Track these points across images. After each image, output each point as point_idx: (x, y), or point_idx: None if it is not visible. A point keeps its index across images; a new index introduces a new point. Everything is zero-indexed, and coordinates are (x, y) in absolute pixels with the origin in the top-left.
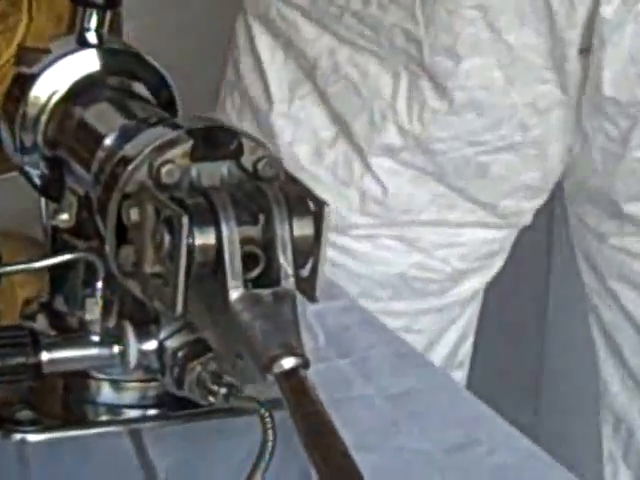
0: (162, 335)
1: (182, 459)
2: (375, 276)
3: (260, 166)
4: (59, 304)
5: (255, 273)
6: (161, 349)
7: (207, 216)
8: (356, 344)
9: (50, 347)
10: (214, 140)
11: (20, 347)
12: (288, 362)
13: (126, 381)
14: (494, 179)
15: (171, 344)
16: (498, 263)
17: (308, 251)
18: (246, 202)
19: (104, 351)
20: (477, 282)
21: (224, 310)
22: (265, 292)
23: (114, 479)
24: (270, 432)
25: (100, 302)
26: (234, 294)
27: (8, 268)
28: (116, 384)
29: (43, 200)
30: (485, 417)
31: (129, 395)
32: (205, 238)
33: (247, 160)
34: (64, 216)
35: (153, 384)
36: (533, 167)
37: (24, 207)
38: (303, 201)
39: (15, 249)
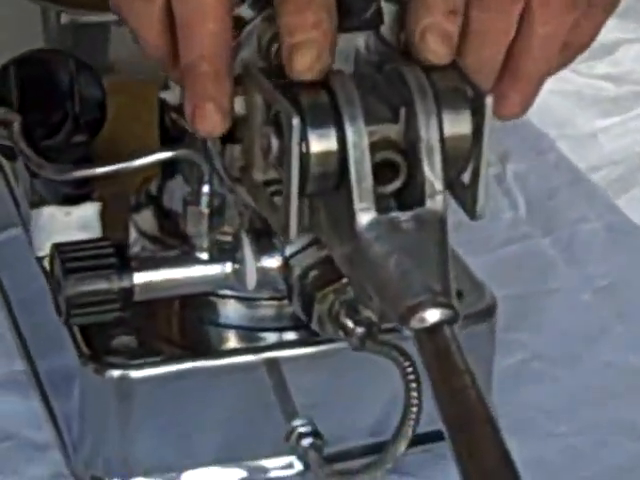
0: (288, 251)
1: (328, 393)
2: None
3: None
4: (167, 200)
5: (392, 188)
6: (287, 268)
7: (326, 112)
8: (562, 215)
9: (143, 267)
10: (344, 5)
11: (103, 269)
12: (431, 315)
13: (257, 299)
14: None
15: (298, 263)
16: None
17: (464, 156)
18: (382, 91)
19: (213, 271)
20: None
21: (350, 238)
22: (404, 215)
23: (245, 419)
24: (414, 395)
25: (207, 211)
26: (362, 218)
27: (97, 170)
28: (245, 301)
29: None
30: None
31: (261, 314)
32: (323, 143)
33: (391, 30)
34: (169, 93)
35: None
36: None
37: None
38: (456, 89)
39: (125, 106)
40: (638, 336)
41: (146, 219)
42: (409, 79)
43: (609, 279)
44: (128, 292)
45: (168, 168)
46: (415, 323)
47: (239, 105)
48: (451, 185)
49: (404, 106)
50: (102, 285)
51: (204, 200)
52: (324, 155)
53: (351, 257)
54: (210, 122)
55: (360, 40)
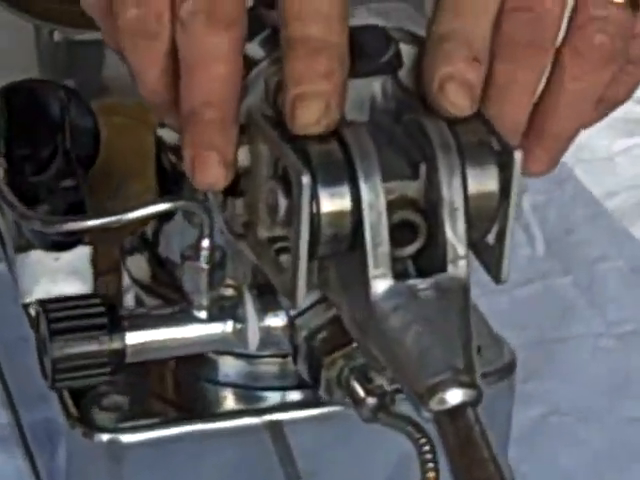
0: (293, 309)
1: (332, 456)
2: None
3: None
4: (163, 247)
5: (410, 251)
6: (292, 328)
7: (339, 168)
8: (582, 252)
9: (135, 326)
10: (358, 47)
11: (93, 329)
12: (453, 396)
13: (258, 356)
14: None
15: (305, 322)
16: None
17: (490, 216)
18: (400, 144)
19: (213, 330)
20: None
21: (364, 306)
22: (424, 282)
23: None
24: (432, 477)
25: (206, 267)
26: (378, 286)
27: (88, 222)
28: (245, 358)
29: None
30: None
31: (263, 372)
32: (336, 203)
33: (410, 74)
34: (167, 131)
35: None
36: None
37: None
38: (481, 143)
39: (121, 128)
40: None
41: (140, 266)
42: (430, 131)
43: (634, 324)
44: (119, 354)
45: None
46: (435, 405)
47: (243, 156)
48: (473, 244)
49: (424, 161)
50: (91, 347)
51: (204, 255)
52: (337, 216)
53: (364, 326)
54: (212, 174)
55: (376, 85)
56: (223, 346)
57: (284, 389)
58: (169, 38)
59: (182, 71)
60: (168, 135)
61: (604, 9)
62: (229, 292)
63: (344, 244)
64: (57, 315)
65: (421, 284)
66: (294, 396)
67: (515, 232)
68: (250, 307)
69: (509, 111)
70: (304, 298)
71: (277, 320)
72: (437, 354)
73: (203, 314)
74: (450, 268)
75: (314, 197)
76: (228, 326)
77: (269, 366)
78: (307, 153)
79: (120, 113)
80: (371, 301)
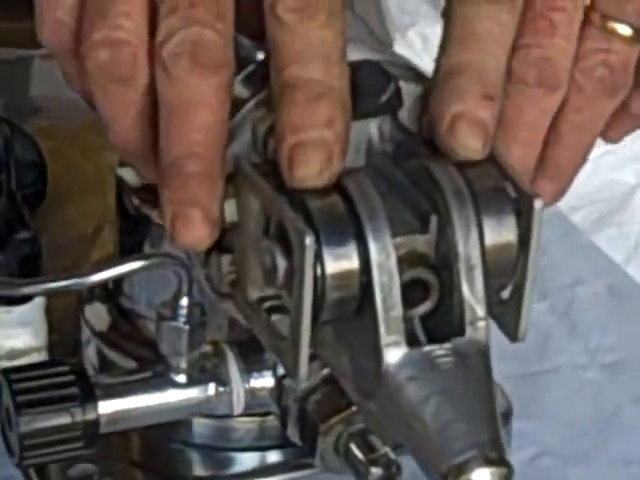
0: (281, 368)
1: None
2: None
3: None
4: (127, 298)
5: (421, 311)
6: (280, 389)
7: (344, 224)
8: (556, 277)
9: (109, 394)
10: (354, 86)
11: (63, 401)
12: (481, 476)
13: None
14: None
15: (291, 384)
16: None
17: (508, 269)
18: (404, 192)
19: (193, 395)
20: None
21: (374, 376)
22: (441, 349)
23: None
24: None
25: (186, 327)
26: (391, 355)
27: (49, 285)
28: (221, 418)
29: None
30: None
31: (240, 433)
32: (342, 263)
33: (411, 113)
34: (128, 171)
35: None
36: None
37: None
38: (497, 189)
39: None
40: None
41: (100, 316)
42: (439, 178)
43: (618, 353)
44: (93, 426)
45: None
46: None
47: (229, 210)
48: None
49: (435, 213)
50: (63, 420)
51: (183, 315)
52: (343, 277)
53: (373, 395)
54: (195, 233)
55: (373, 126)
56: (205, 411)
57: (263, 449)
58: (146, 82)
59: (162, 119)
60: (129, 175)
61: (606, 42)
62: (208, 348)
63: (350, 307)
64: (23, 386)
65: (438, 350)
66: (273, 457)
67: None
68: (233, 368)
69: (517, 152)
70: (307, 374)
71: (264, 381)
72: (460, 429)
73: (182, 378)
74: (469, 331)
75: (318, 258)
76: (210, 390)
77: (246, 425)
78: (307, 208)
79: (54, 137)
80: (383, 371)
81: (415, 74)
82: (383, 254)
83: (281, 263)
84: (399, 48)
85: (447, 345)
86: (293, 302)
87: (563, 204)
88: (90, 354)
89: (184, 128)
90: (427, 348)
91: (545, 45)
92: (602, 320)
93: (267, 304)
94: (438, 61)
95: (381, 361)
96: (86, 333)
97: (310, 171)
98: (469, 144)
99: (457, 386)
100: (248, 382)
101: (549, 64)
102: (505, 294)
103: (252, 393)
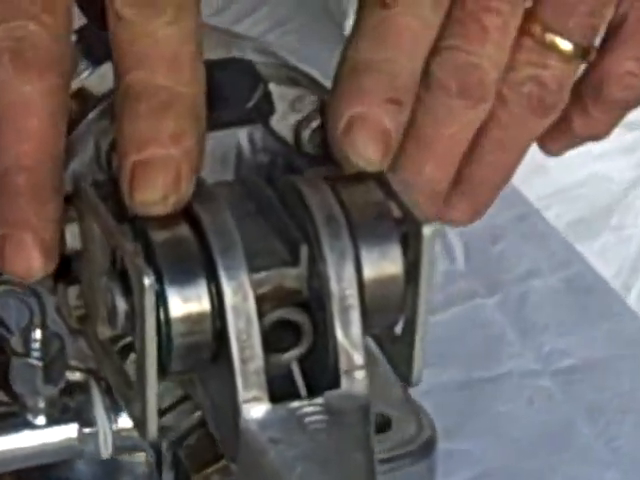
0: None
1: None
2: None
3: (308, 135)
4: None
5: (290, 357)
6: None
7: (191, 258)
8: (509, 265)
9: None
10: (217, 89)
11: None
12: None
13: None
14: None
15: (169, 423)
16: None
17: (394, 304)
18: (274, 216)
19: (54, 438)
20: None
21: (234, 437)
22: (312, 404)
23: None
24: None
25: (40, 364)
26: (250, 413)
27: None
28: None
29: None
30: None
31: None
32: (190, 305)
33: (286, 122)
34: None
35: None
36: None
37: None
38: (380, 216)
39: None
40: (613, 438)
41: None
42: (310, 202)
43: (573, 358)
44: None
45: None
46: None
47: (71, 235)
48: (377, 337)
49: (305, 242)
50: None
51: (36, 349)
52: (192, 322)
53: (236, 460)
54: (26, 260)
55: (242, 136)
56: (69, 455)
57: None
58: None
59: None
60: None
61: (542, 56)
62: (76, 376)
63: (205, 354)
64: None
65: (307, 407)
66: None
67: None
68: (99, 405)
69: (429, 171)
70: (157, 432)
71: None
72: None
73: (41, 419)
74: (344, 382)
75: (161, 300)
76: (72, 431)
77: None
78: (148, 238)
79: None
80: (242, 430)
81: (290, 74)
82: (239, 295)
83: (121, 304)
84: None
85: (318, 400)
86: (137, 350)
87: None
88: None
89: (10, 137)
90: (295, 404)
91: (472, 51)
92: (558, 320)
93: (121, 343)
94: (343, 56)
95: (239, 419)
96: None
97: (153, 195)
98: (366, 153)
99: (329, 450)
100: (116, 422)
101: (475, 73)
102: (398, 330)
103: (121, 434)
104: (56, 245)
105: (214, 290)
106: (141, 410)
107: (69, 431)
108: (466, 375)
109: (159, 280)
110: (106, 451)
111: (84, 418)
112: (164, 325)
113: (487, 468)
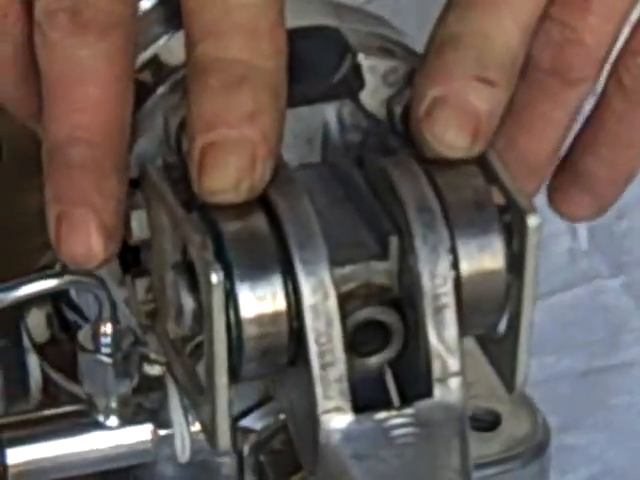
0: (235, 407)
1: None
2: None
3: (402, 113)
4: (69, 312)
5: (379, 360)
6: (235, 431)
7: (265, 252)
8: (636, 247)
9: (19, 439)
10: (301, 61)
11: None
12: None
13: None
14: None
15: (251, 425)
16: None
17: (496, 303)
18: (364, 203)
19: (126, 440)
20: None
21: (314, 450)
22: (400, 416)
23: None
24: None
25: (109, 360)
26: (330, 424)
27: None
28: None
29: None
30: None
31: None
32: (264, 304)
33: (377, 97)
34: None
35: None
36: None
37: None
38: (481, 202)
39: None
40: None
41: (42, 327)
42: (401, 189)
43: None
44: None
45: None
46: None
47: (137, 223)
48: (479, 337)
49: (395, 233)
50: None
51: (106, 344)
52: (265, 323)
53: (315, 476)
54: (84, 242)
55: (330, 112)
56: (142, 459)
57: None
58: (21, 39)
59: (44, 92)
60: None
61: None
62: (155, 370)
63: (281, 358)
64: None
65: (395, 418)
66: None
67: (550, 217)
68: (176, 406)
69: (522, 144)
70: (230, 443)
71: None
72: None
73: (113, 420)
74: (437, 391)
75: (231, 298)
76: (146, 432)
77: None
78: (219, 232)
79: None
80: (321, 444)
81: (384, 44)
82: (318, 293)
83: (188, 302)
84: None
85: (407, 411)
86: (205, 353)
87: None
88: (33, 370)
89: (64, 107)
90: (380, 415)
91: (575, 27)
92: None
93: (195, 342)
94: (434, 31)
95: (318, 432)
96: (26, 344)
97: (223, 181)
98: (447, 136)
99: (418, 467)
100: (195, 423)
101: (573, 51)
102: (502, 329)
103: (200, 436)
104: (119, 227)
105: (291, 287)
106: (210, 418)
107: (143, 433)
108: (585, 364)
109: (229, 276)
110: (183, 455)
111: (159, 419)
112: (234, 326)
113: (606, 466)
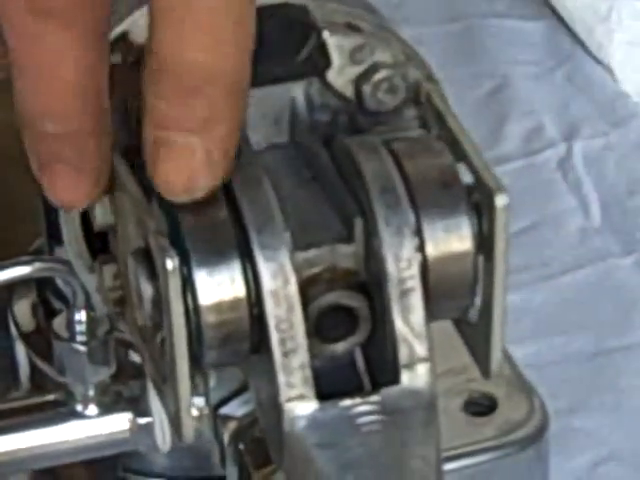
0: (214, 394)
1: None
2: None
3: (370, 89)
4: (55, 301)
5: (345, 347)
6: (215, 419)
7: (224, 240)
8: None
9: None
10: (266, 39)
11: None
12: None
13: None
14: None
15: (232, 413)
16: None
17: (464, 286)
18: (330, 185)
19: (103, 430)
20: None
21: (279, 439)
22: (365, 403)
23: None
24: None
25: (84, 349)
26: (294, 412)
27: None
28: None
29: None
30: None
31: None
32: (221, 292)
33: (344, 76)
34: None
35: None
36: None
37: None
38: (448, 181)
39: None
40: None
41: (28, 316)
42: (365, 169)
43: None
44: None
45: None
46: None
47: (101, 209)
48: (456, 322)
49: (360, 215)
50: None
51: (80, 332)
52: (224, 310)
53: (281, 465)
54: (67, 185)
55: (298, 91)
56: (122, 448)
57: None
58: None
59: (12, 69)
60: None
61: None
62: (137, 358)
63: (243, 345)
64: None
65: (361, 405)
66: None
67: (562, 193)
68: (155, 395)
69: None
70: (193, 429)
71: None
72: None
73: (92, 409)
74: (405, 377)
75: (189, 285)
76: (125, 421)
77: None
78: (177, 219)
79: None
80: (285, 433)
81: (354, 19)
82: (279, 279)
83: (147, 289)
84: None
85: (373, 398)
86: (165, 341)
87: None
88: (21, 359)
89: (37, 87)
90: (345, 403)
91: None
92: None
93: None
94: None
95: (282, 420)
96: (14, 334)
97: (178, 185)
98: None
99: (385, 456)
100: None
101: None
102: (474, 313)
103: None
104: (100, 173)
105: (251, 273)
106: (174, 407)
107: (121, 422)
108: (595, 344)
109: (186, 262)
110: (164, 445)
111: (139, 407)
112: (193, 313)
113: (614, 449)
